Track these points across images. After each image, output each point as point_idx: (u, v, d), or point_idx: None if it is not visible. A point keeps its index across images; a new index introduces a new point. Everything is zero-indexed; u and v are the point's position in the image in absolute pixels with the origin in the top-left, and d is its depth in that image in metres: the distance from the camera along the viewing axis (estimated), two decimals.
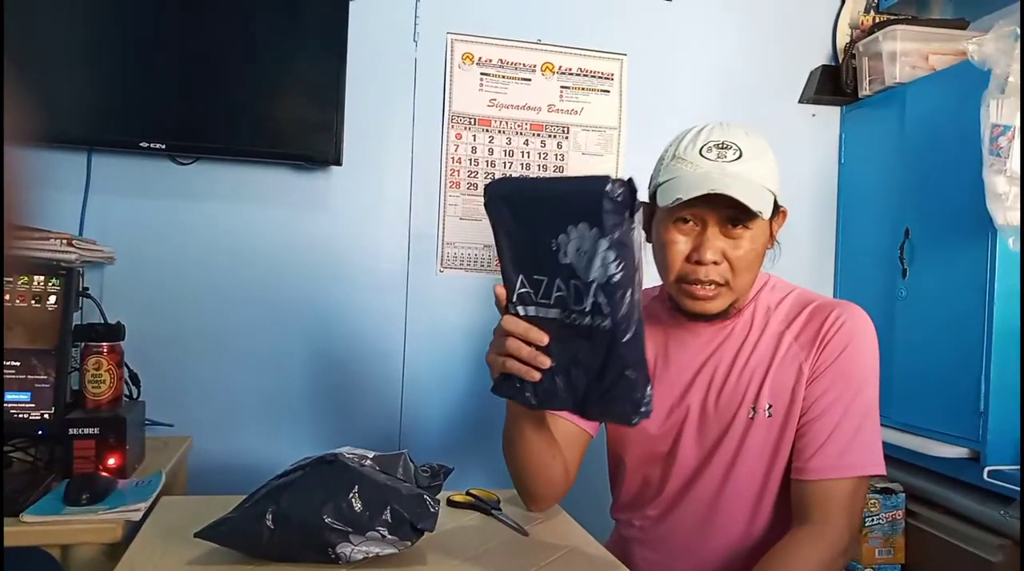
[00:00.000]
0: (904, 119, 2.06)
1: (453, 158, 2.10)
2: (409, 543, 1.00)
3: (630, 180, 0.88)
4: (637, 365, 0.91)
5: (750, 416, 1.19)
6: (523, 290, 0.97)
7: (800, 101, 2.34)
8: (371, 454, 1.10)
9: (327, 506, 0.98)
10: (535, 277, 0.95)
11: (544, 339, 0.95)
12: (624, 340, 0.90)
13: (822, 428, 1.15)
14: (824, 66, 2.32)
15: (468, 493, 1.33)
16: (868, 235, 2.21)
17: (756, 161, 1.14)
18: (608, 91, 2.19)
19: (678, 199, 1.11)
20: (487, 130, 2.12)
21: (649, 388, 0.91)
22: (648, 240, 1.24)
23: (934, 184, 1.93)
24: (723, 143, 1.15)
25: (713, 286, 1.15)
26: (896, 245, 2.03)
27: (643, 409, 0.92)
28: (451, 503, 1.30)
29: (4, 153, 0.40)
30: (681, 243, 1.16)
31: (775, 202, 1.17)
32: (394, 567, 1.01)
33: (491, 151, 2.12)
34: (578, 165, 2.16)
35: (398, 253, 2.09)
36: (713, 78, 2.28)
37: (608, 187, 0.87)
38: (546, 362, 0.95)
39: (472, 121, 2.11)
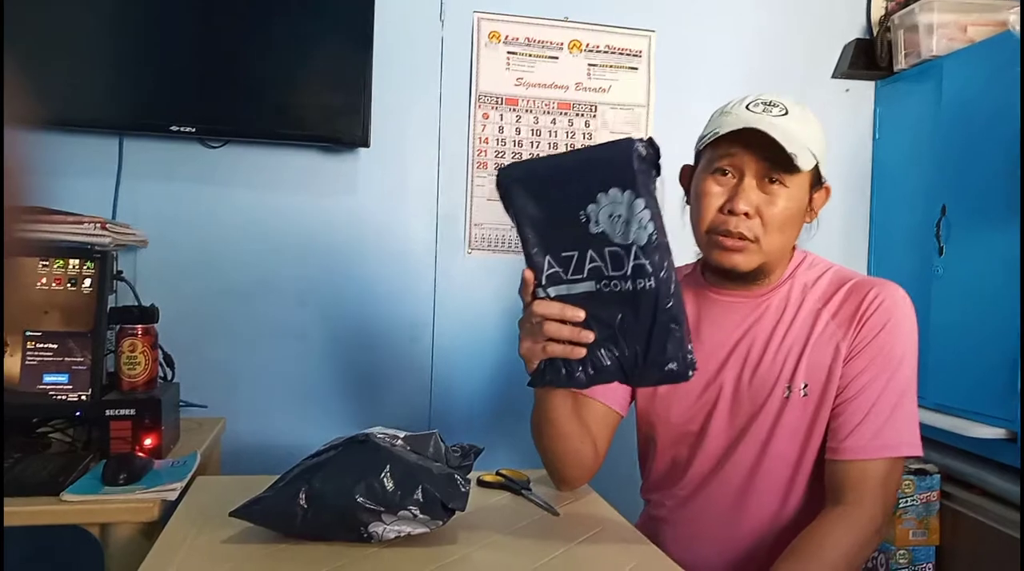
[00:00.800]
0: (941, 93, 2.01)
1: (480, 138, 2.09)
2: (440, 522, 1.01)
3: (651, 138, 0.90)
4: (683, 319, 0.92)
5: (785, 395, 1.18)
6: (551, 271, 0.95)
7: (833, 76, 2.30)
8: (402, 434, 1.11)
9: (359, 486, 0.99)
10: (563, 255, 0.94)
11: (581, 314, 0.94)
12: (670, 294, 0.91)
13: (858, 407, 1.14)
14: (858, 40, 2.27)
15: (498, 473, 1.33)
16: (903, 212, 2.17)
17: (802, 122, 1.13)
18: (636, 68, 2.16)
19: (716, 133, 1.12)
20: (514, 110, 2.10)
21: (691, 344, 0.93)
22: (688, 202, 1.24)
23: (971, 160, 1.89)
24: (770, 102, 1.15)
25: (742, 240, 1.14)
26: (932, 222, 1.99)
27: (694, 361, 0.93)
28: (481, 483, 1.31)
29: (4, 136, 0.41)
30: (716, 195, 1.16)
31: (817, 170, 1.16)
32: (425, 546, 1.02)
33: (518, 131, 2.11)
34: None
35: (426, 234, 2.09)
36: (743, 53, 2.24)
37: (636, 146, 0.89)
38: (590, 336, 0.94)
39: (499, 100, 2.10)
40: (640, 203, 0.89)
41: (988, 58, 1.86)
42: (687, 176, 1.26)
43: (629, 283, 0.92)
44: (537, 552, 1.03)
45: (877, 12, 2.27)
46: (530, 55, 2.10)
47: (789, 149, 1.08)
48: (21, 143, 0.41)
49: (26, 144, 0.42)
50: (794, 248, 1.25)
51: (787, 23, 2.26)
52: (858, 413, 1.13)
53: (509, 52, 2.09)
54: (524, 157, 2.11)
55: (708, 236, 1.18)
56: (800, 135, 1.11)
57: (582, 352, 0.95)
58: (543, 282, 0.96)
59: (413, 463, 1.03)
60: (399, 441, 1.09)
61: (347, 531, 1.00)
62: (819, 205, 1.21)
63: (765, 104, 1.14)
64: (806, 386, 1.17)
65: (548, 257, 0.95)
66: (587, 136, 2.14)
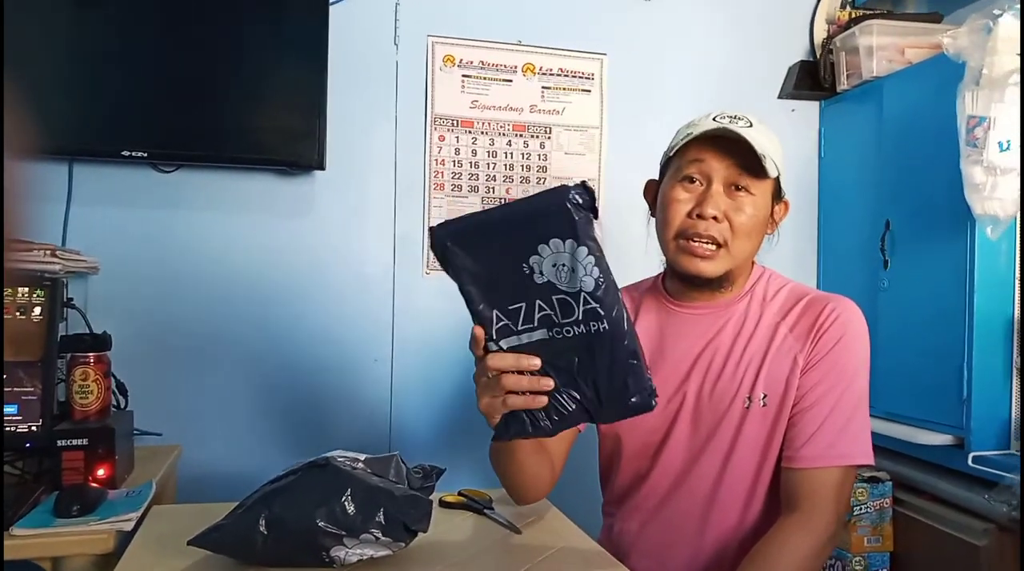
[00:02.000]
0: (882, 112, 2.08)
1: (437, 160, 2.11)
2: (403, 544, 1.01)
3: (584, 183, 0.90)
4: (640, 352, 0.93)
5: (745, 406, 1.20)
6: (501, 324, 0.94)
7: (779, 96, 2.36)
8: (363, 457, 1.11)
9: (320, 510, 0.98)
10: (511, 308, 0.93)
11: (537, 362, 0.93)
12: (624, 332, 0.91)
13: (813, 418, 1.17)
14: (802, 61, 2.34)
15: (460, 493, 1.33)
16: (849, 228, 2.24)
17: (765, 135, 1.18)
18: (589, 91, 2.20)
19: (689, 135, 1.16)
20: (470, 131, 2.12)
21: (650, 373, 0.94)
22: (652, 214, 1.27)
23: (913, 176, 1.96)
24: (735, 115, 1.19)
25: (712, 245, 1.17)
26: (877, 237, 2.05)
27: (655, 390, 0.94)
28: (443, 504, 1.31)
29: (4, 166, 0.41)
30: (684, 201, 1.19)
31: (778, 182, 1.21)
32: (388, 568, 1.02)
33: (474, 152, 2.13)
34: (561, 164, 2.17)
35: (384, 256, 2.09)
36: (693, 75, 2.30)
37: (572, 195, 0.89)
38: (549, 383, 0.93)
39: (455, 123, 2.11)
40: (583, 250, 0.89)
41: (926, 79, 1.94)
42: (652, 190, 1.29)
43: (582, 327, 0.91)
44: None
45: (820, 35, 2.35)
46: (484, 78, 2.13)
47: (758, 150, 1.12)
48: (15, 172, 0.41)
49: (19, 173, 0.41)
50: (753, 263, 1.29)
51: (734, 46, 2.33)
52: (813, 423, 1.16)
53: (464, 75, 2.12)
54: (481, 178, 2.13)
55: (676, 241, 1.20)
56: (765, 145, 1.16)
57: (544, 400, 0.94)
58: (494, 336, 0.94)
59: (374, 486, 1.03)
60: (360, 464, 1.09)
61: (309, 556, 0.99)
62: (779, 218, 1.25)
63: (731, 117, 1.18)
64: (765, 396, 1.20)
65: (495, 311, 0.93)
66: (542, 157, 2.17)
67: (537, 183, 2.16)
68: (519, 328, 0.93)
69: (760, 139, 1.15)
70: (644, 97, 2.25)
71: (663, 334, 1.28)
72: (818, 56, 2.34)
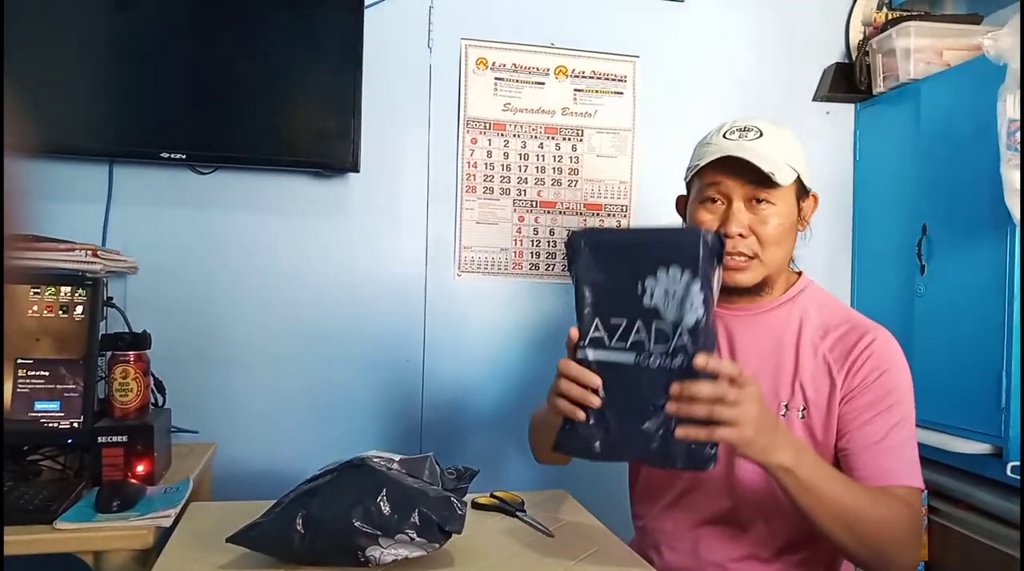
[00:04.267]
0: (919, 115, 2.06)
1: (469, 162, 2.12)
2: (437, 545, 1.02)
3: (719, 233, 1.01)
4: None
5: (782, 413, 1.20)
6: (596, 334, 0.99)
7: (814, 99, 2.34)
8: (398, 457, 1.12)
9: (356, 510, 0.99)
10: (612, 321, 0.98)
11: (597, 382, 0.99)
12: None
13: (867, 441, 1.15)
14: (837, 64, 2.32)
15: (492, 495, 1.34)
16: (885, 232, 2.21)
17: (777, 141, 1.19)
18: (622, 93, 2.20)
19: (696, 165, 1.20)
20: (502, 134, 2.13)
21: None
22: None
23: (951, 180, 1.93)
24: (745, 127, 1.21)
25: (744, 258, 1.19)
26: (914, 242, 2.02)
27: (716, 455, 0.96)
28: (476, 505, 1.31)
29: (4, 164, 0.42)
30: (709, 222, 1.21)
31: (801, 181, 1.22)
32: (423, 569, 1.03)
33: (506, 155, 2.13)
34: (593, 167, 2.17)
35: (416, 258, 2.10)
36: (726, 78, 2.28)
37: (705, 234, 0.97)
38: (595, 402, 0.98)
39: (487, 125, 2.12)
40: (696, 285, 0.94)
41: (964, 81, 1.91)
42: (682, 206, 1.32)
43: (668, 360, 0.95)
44: None
45: (856, 37, 2.32)
46: (517, 81, 2.14)
47: (766, 169, 1.14)
48: (16, 170, 0.42)
49: (19, 170, 0.42)
50: (799, 274, 1.30)
51: (769, 48, 2.31)
52: (870, 447, 1.14)
53: (496, 78, 2.12)
54: (513, 181, 2.14)
55: None
56: (776, 153, 1.17)
57: (582, 415, 0.99)
58: (585, 342, 1.00)
59: (409, 487, 1.04)
60: (395, 465, 1.10)
61: (345, 555, 1.01)
62: (809, 213, 1.27)
63: (740, 130, 1.20)
64: (804, 409, 1.19)
65: (598, 319, 1.00)
66: (574, 160, 2.17)
67: (569, 185, 2.16)
68: (612, 344, 0.98)
69: (770, 148, 1.17)
70: (677, 100, 2.24)
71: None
72: (854, 58, 2.31)
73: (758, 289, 1.25)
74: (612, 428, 0.99)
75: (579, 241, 1.01)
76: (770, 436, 0.99)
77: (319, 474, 1.08)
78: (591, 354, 0.99)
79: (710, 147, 1.21)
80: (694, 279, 0.94)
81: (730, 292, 1.24)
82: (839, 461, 1.18)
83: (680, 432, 0.94)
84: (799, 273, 1.31)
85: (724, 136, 1.21)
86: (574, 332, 1.01)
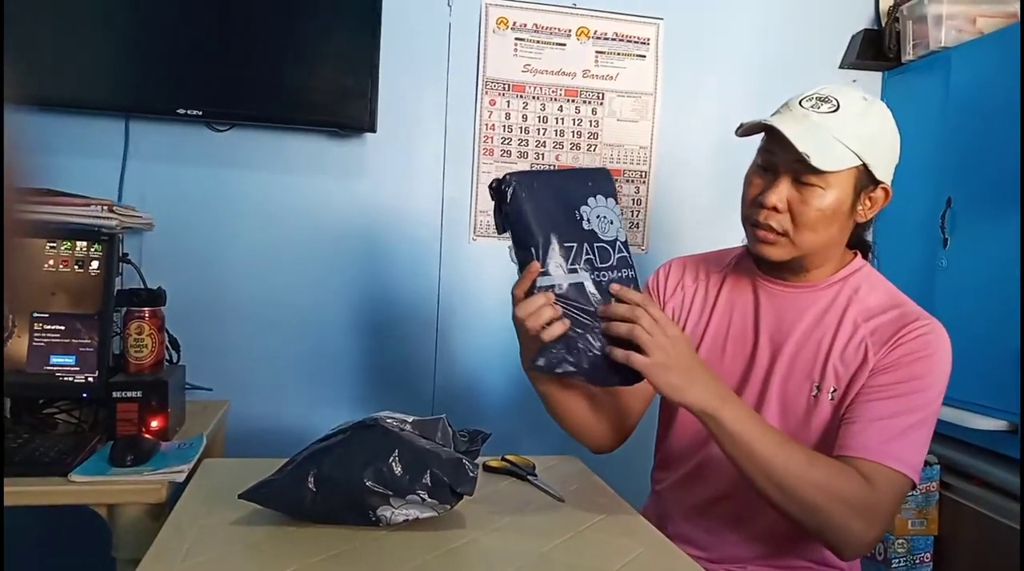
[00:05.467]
0: (949, 84, 2.01)
1: (487, 125, 2.09)
2: (448, 506, 1.02)
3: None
4: None
5: (813, 394, 1.17)
6: (554, 260, 1.06)
7: (841, 66, 2.29)
8: (410, 418, 1.11)
9: (368, 470, 0.99)
10: (565, 245, 1.06)
11: (551, 297, 1.05)
12: (638, 284, 1.12)
13: (873, 412, 1.11)
14: (866, 30, 2.26)
15: (503, 459, 1.34)
16: (908, 204, 2.16)
17: (851, 119, 1.11)
18: (644, 56, 2.16)
19: (741, 125, 1.15)
20: (521, 96, 2.10)
21: None
22: None
23: (979, 152, 1.89)
24: (825, 96, 1.13)
25: (772, 233, 1.14)
26: (937, 214, 1.99)
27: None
28: (487, 468, 1.31)
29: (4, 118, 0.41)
30: (755, 186, 1.17)
31: (868, 171, 1.14)
32: (434, 530, 1.03)
33: (525, 118, 2.10)
34: (614, 131, 2.14)
35: (432, 220, 2.09)
36: (751, 42, 2.23)
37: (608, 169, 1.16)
38: (557, 331, 1.03)
39: (506, 87, 2.09)
40: (618, 209, 1.12)
41: (997, 50, 1.86)
42: None
43: (616, 273, 1.09)
44: (544, 538, 1.04)
45: (886, 3, 2.26)
46: (538, 42, 2.10)
47: (801, 148, 1.07)
48: (15, 123, 0.41)
49: (20, 123, 0.41)
50: (856, 255, 1.24)
51: (796, 12, 2.25)
52: (872, 416, 1.10)
53: (517, 38, 2.09)
54: (531, 144, 2.11)
55: (744, 225, 1.20)
56: (840, 132, 1.10)
57: (555, 331, 1.03)
58: (547, 269, 1.05)
59: (421, 448, 1.04)
60: (407, 426, 1.10)
61: (356, 514, 1.01)
62: (873, 206, 1.18)
63: (817, 99, 1.13)
64: (834, 391, 1.16)
65: (553, 246, 1.06)
66: (594, 123, 2.13)
67: (588, 150, 2.13)
68: (569, 265, 1.06)
69: (835, 128, 1.09)
70: (700, 63, 2.19)
71: (758, 304, 1.25)
72: (883, 24, 2.25)
73: (796, 269, 1.20)
74: (580, 347, 1.05)
75: (512, 182, 1.06)
76: (685, 377, 1.04)
77: (331, 433, 1.08)
78: (555, 279, 1.05)
79: (776, 112, 1.15)
80: (616, 203, 1.12)
81: (771, 266, 1.22)
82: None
83: (607, 350, 1.05)
84: (855, 254, 1.25)
85: (800, 103, 1.13)
86: (535, 266, 1.04)
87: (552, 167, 2.10)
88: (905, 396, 1.12)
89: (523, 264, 1.06)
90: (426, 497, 1.00)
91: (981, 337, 1.84)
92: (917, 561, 1.93)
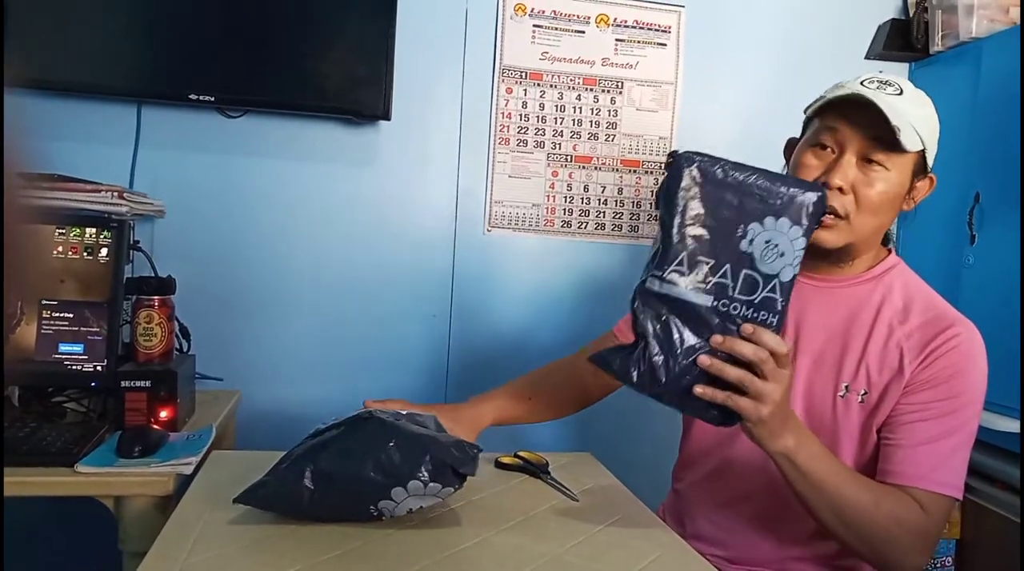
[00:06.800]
0: (979, 76, 1.95)
1: (503, 113, 2.05)
2: (452, 489, 0.98)
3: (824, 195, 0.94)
4: None
5: (841, 395, 1.13)
6: (678, 268, 0.91)
7: (867, 57, 2.23)
8: (404, 412, 1.09)
9: (367, 461, 0.96)
10: (699, 258, 0.91)
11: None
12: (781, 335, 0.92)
13: (917, 434, 1.08)
14: (893, 20, 2.20)
15: (516, 455, 1.31)
16: (935, 198, 2.06)
17: (915, 105, 1.09)
18: (665, 44, 2.11)
19: (822, 98, 1.10)
20: (538, 84, 2.06)
21: None
22: (787, 173, 1.20)
23: (1009, 147, 1.83)
24: (887, 81, 1.10)
25: (833, 216, 1.09)
26: (965, 210, 1.93)
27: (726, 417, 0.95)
28: (499, 465, 1.29)
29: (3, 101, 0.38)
30: (813, 167, 1.12)
31: (923, 157, 1.11)
32: (442, 529, 1.00)
33: (542, 106, 2.07)
34: (632, 121, 2.10)
35: (446, 211, 2.06)
36: (775, 32, 2.18)
37: (824, 192, 0.93)
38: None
39: (523, 75, 2.05)
40: (801, 242, 0.91)
41: None
42: (791, 149, 1.21)
43: (751, 311, 0.91)
44: (558, 539, 1.01)
45: None
46: (556, 29, 2.06)
47: (894, 122, 1.03)
48: (14, 107, 0.39)
49: (19, 108, 0.39)
50: (890, 251, 1.21)
51: (820, 1, 2.20)
52: (916, 439, 1.08)
53: (535, 25, 2.05)
54: (548, 133, 2.07)
55: None
56: (910, 115, 1.06)
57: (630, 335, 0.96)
58: (662, 274, 0.91)
59: (419, 434, 1.01)
60: (402, 419, 1.07)
61: (357, 510, 0.98)
62: (921, 195, 1.16)
63: (881, 82, 1.09)
64: (865, 394, 1.12)
65: (684, 254, 0.91)
66: (612, 113, 2.09)
67: (606, 140, 2.09)
68: (690, 280, 0.91)
69: (906, 108, 1.06)
70: (722, 53, 2.15)
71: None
72: (911, 14, 2.19)
73: (840, 258, 1.16)
74: (652, 364, 0.92)
75: (687, 164, 0.91)
76: (780, 422, 0.95)
77: (324, 429, 1.05)
78: (662, 286, 0.91)
79: (841, 90, 1.10)
80: (801, 236, 0.91)
81: (808, 255, 1.18)
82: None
83: (698, 389, 0.91)
84: (889, 250, 1.21)
85: (862, 83, 1.09)
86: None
87: (570, 158, 2.07)
88: (948, 415, 1.08)
89: (655, 255, 0.93)
90: (428, 481, 0.96)
91: (1006, 337, 1.79)
92: (939, 564, 1.90)
